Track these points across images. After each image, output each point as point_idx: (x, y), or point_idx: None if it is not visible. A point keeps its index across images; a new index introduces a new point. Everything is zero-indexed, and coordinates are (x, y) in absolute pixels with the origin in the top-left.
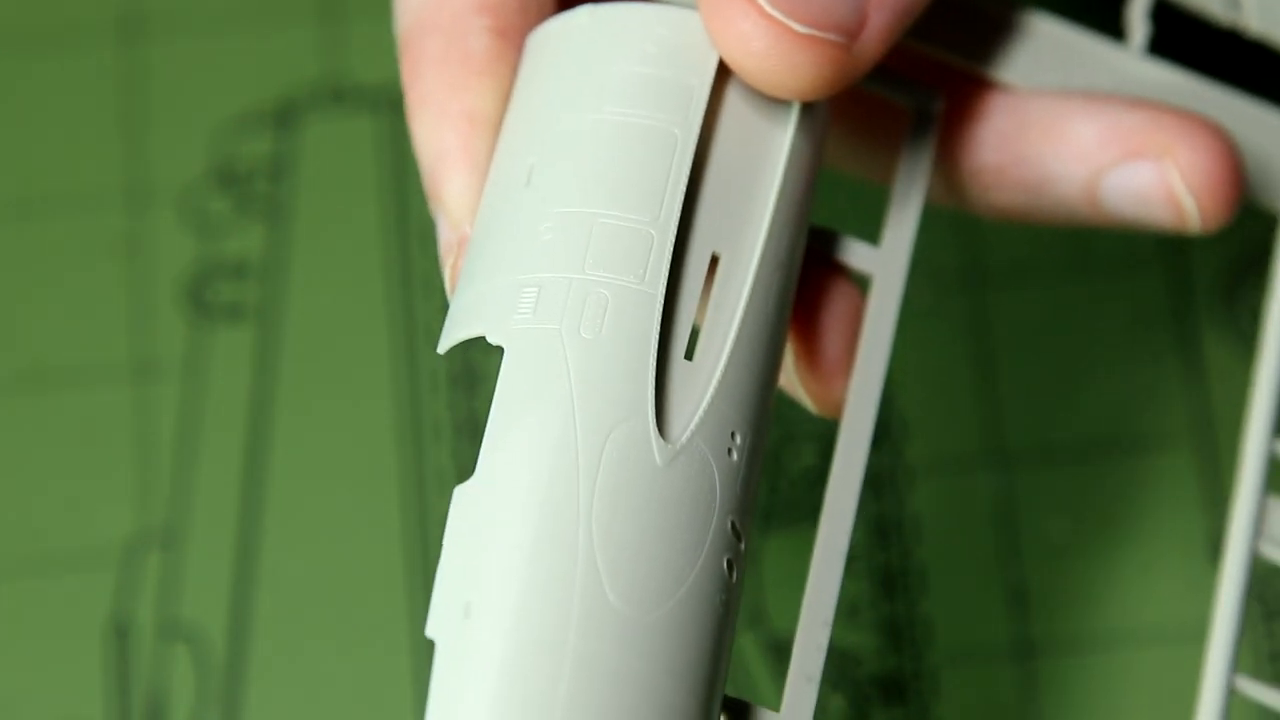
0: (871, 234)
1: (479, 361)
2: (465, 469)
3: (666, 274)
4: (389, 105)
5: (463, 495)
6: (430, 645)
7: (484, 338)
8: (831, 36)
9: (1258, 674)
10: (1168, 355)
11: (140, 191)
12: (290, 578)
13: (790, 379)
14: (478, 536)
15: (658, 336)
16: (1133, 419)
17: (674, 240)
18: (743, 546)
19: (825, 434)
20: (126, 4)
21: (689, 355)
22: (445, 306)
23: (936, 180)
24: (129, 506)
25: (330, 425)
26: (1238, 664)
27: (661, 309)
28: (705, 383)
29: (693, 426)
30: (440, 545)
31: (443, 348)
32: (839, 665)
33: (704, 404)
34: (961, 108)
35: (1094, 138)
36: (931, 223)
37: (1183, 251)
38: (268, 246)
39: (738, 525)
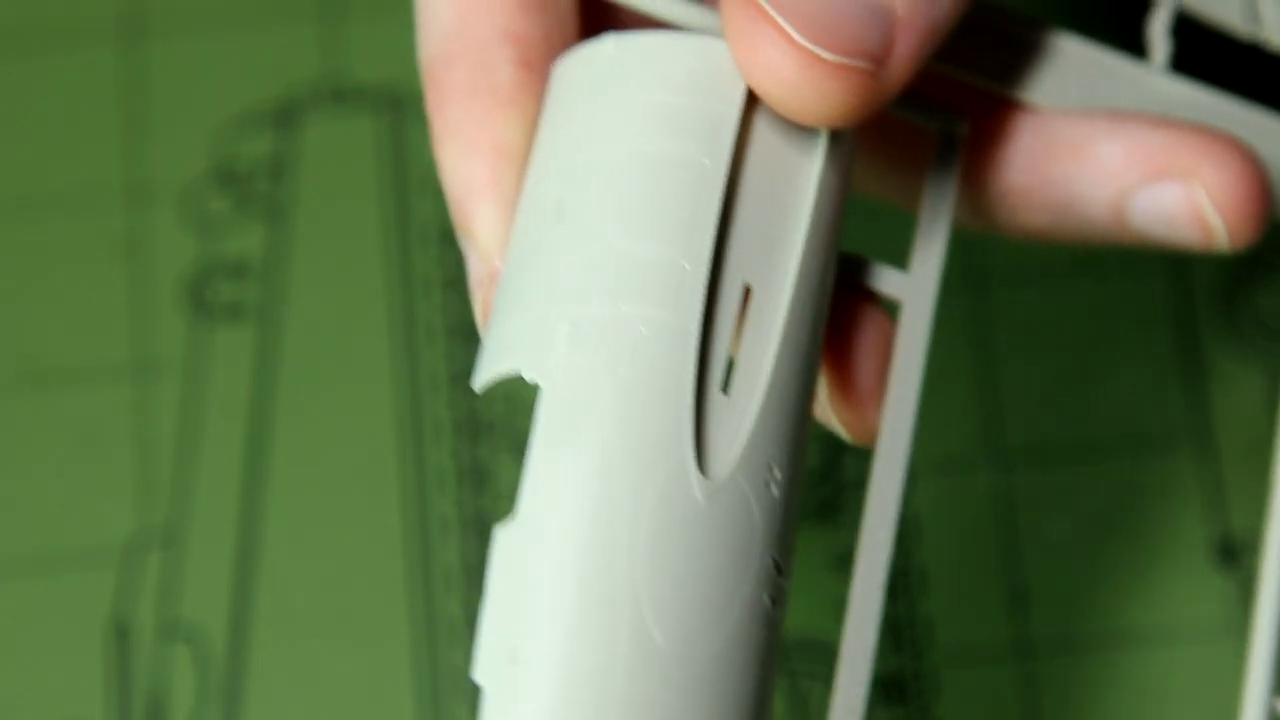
0: (896, 256)
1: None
2: (465, 468)
3: (701, 307)
4: (389, 105)
5: (504, 537)
6: (430, 649)
7: (519, 374)
8: (859, 64)
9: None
10: (1168, 356)
11: (140, 191)
12: (290, 577)
13: (823, 408)
14: (521, 579)
15: (695, 371)
16: (1133, 419)
17: (707, 273)
18: (784, 581)
19: (826, 434)
20: (126, 4)
21: (725, 389)
22: (445, 307)
23: (962, 202)
24: (129, 506)
25: (330, 425)
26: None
27: (698, 343)
28: (742, 417)
29: (732, 462)
30: (441, 545)
31: (478, 385)
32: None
33: (742, 439)
34: (986, 129)
35: (1120, 158)
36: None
37: (1183, 253)
38: (268, 246)
39: (779, 560)
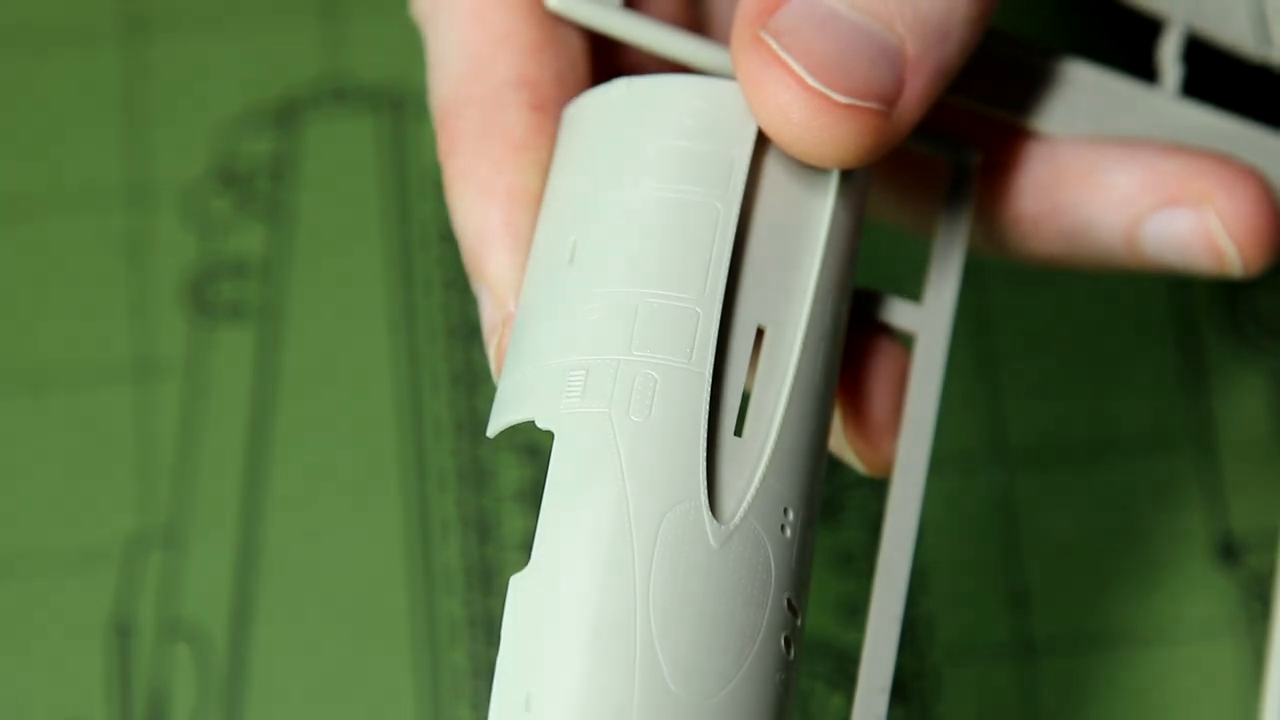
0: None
1: (480, 361)
2: (465, 468)
3: (714, 352)
4: (390, 105)
5: (519, 585)
6: (430, 649)
7: (534, 423)
8: (871, 105)
9: (1257, 675)
10: (1169, 356)
11: (142, 191)
12: (291, 577)
13: (838, 441)
14: (536, 626)
15: (707, 415)
16: (1134, 419)
17: (720, 317)
18: (799, 623)
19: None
20: (127, 4)
21: (738, 431)
22: (445, 307)
23: (976, 230)
24: (130, 506)
25: (331, 425)
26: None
27: (710, 387)
28: (756, 460)
29: (745, 505)
30: (441, 544)
31: (492, 431)
32: (838, 665)
33: (755, 482)
34: (998, 157)
35: (1132, 185)
36: (915, 276)
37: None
38: (269, 246)
39: (794, 602)
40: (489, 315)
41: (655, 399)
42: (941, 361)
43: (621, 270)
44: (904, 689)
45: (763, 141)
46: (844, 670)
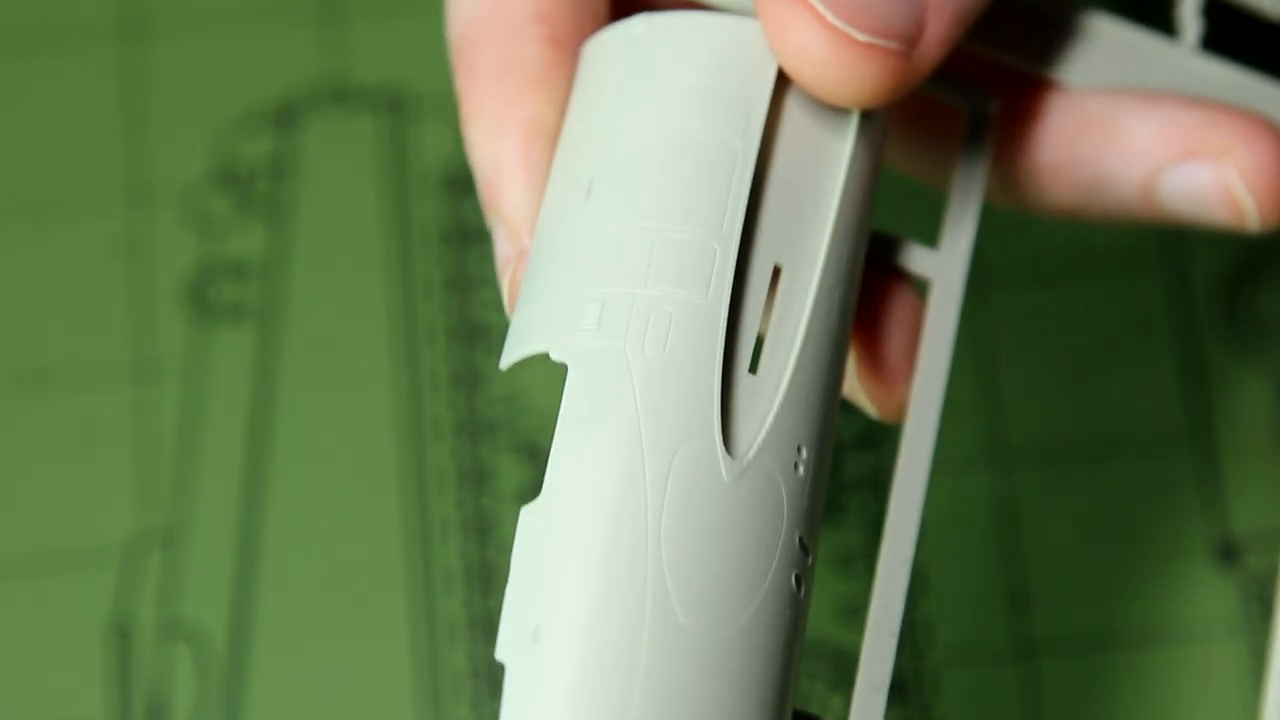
0: (925, 235)
1: (480, 362)
2: (465, 469)
3: (730, 288)
4: (389, 105)
5: (529, 516)
6: (430, 649)
7: (547, 355)
8: (892, 44)
9: (1259, 674)
10: (1168, 356)
11: (141, 191)
12: (291, 577)
13: (851, 384)
14: (545, 558)
15: (722, 352)
16: (1133, 419)
17: (737, 253)
18: (810, 561)
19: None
20: (127, 4)
21: (753, 368)
22: (445, 307)
23: (993, 180)
24: (130, 506)
25: (330, 425)
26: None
27: (726, 323)
28: (770, 397)
29: (759, 442)
30: (441, 545)
31: (505, 364)
32: (838, 665)
33: (769, 419)
34: (1017, 108)
35: (1151, 137)
36: (932, 224)
37: (1183, 252)
38: (268, 246)
39: (805, 540)
40: (503, 249)
41: (671, 333)
42: (957, 307)
43: (639, 205)
44: (904, 690)
45: (783, 81)
46: (844, 670)
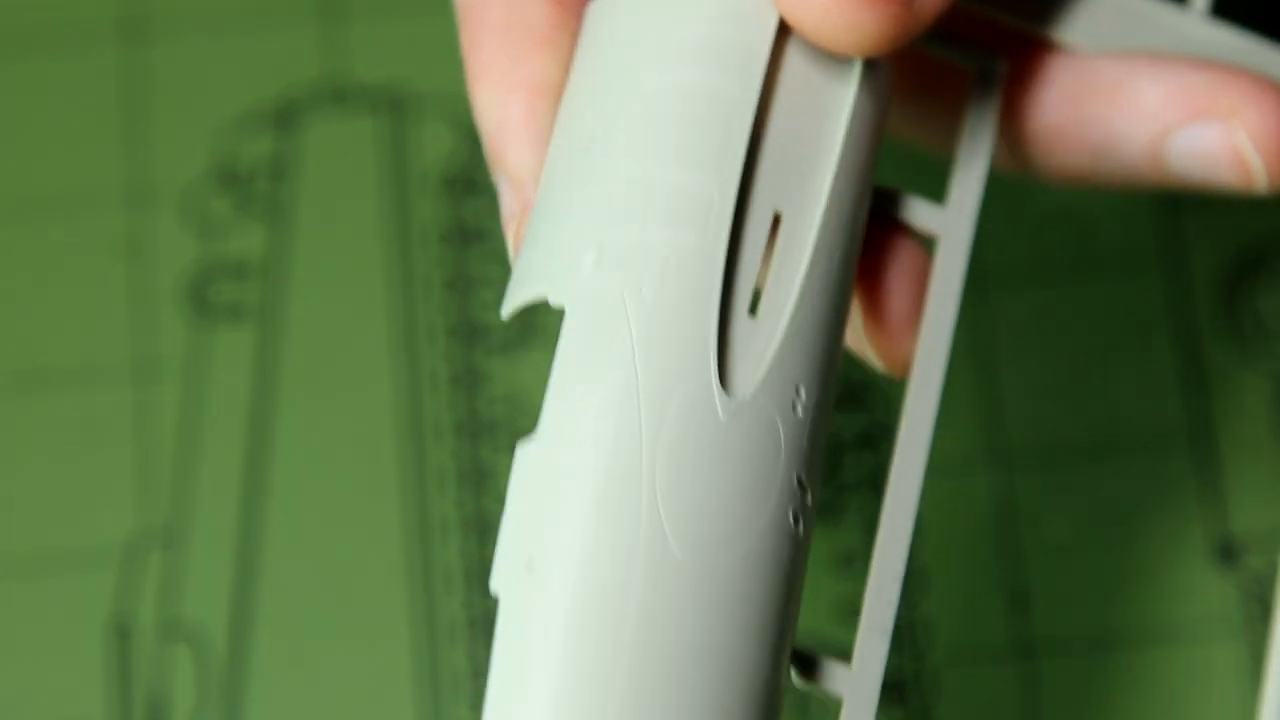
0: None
1: (480, 362)
2: (465, 469)
3: (728, 232)
4: (389, 105)
5: (525, 452)
6: (430, 649)
7: (546, 301)
8: None
9: (1257, 675)
10: (1168, 356)
11: (141, 191)
12: (291, 577)
13: (857, 338)
14: (540, 492)
15: (719, 293)
16: (1132, 419)
17: (735, 199)
18: (809, 500)
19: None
20: (127, 4)
21: (753, 311)
22: (445, 307)
23: (1000, 144)
24: (129, 506)
25: (330, 425)
26: None
27: (723, 266)
28: (769, 338)
29: (757, 382)
30: (441, 545)
31: (506, 312)
32: None
33: (768, 359)
34: (1024, 70)
35: (1159, 98)
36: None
37: (1182, 252)
38: (268, 246)
39: (804, 479)
40: (508, 203)
41: (667, 275)
42: (963, 263)
43: (637, 152)
44: (903, 690)
45: (784, 30)
46: None
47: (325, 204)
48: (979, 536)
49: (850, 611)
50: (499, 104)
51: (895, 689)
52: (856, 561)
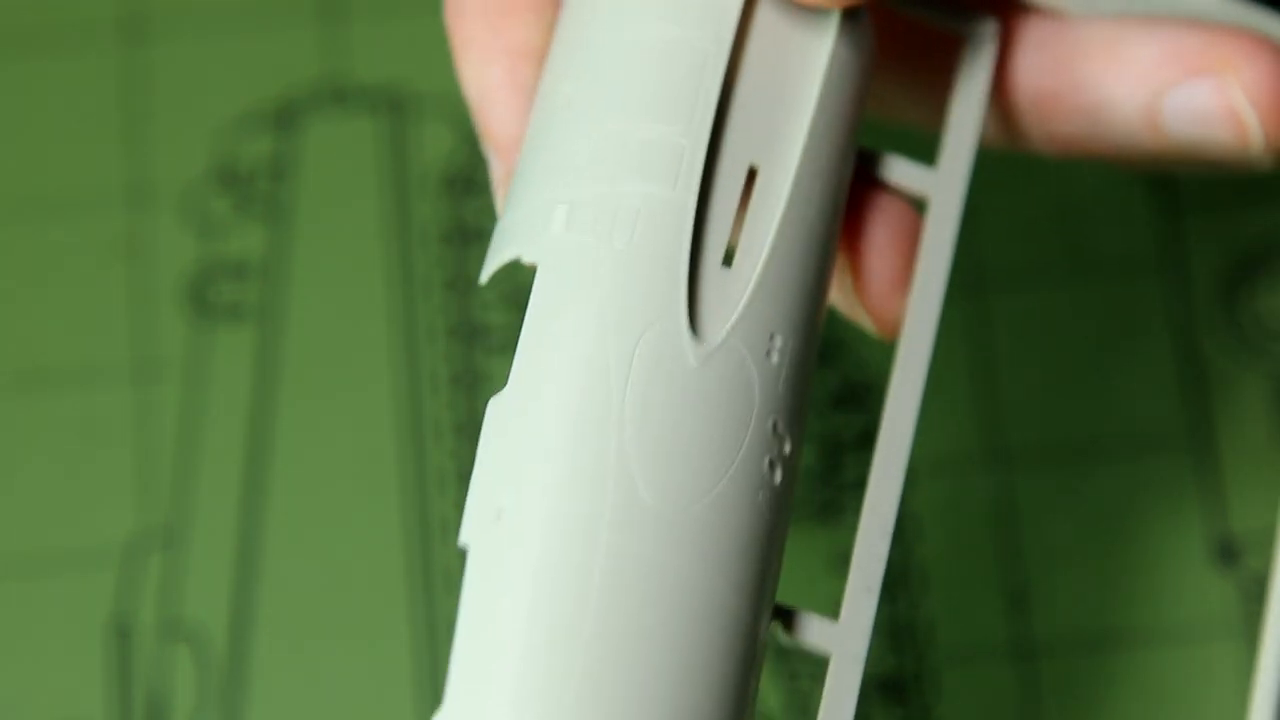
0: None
1: (480, 362)
2: (465, 469)
3: (698, 182)
4: (389, 105)
5: (495, 404)
6: (430, 649)
7: (520, 261)
8: None
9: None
10: (1168, 356)
11: (141, 191)
12: (291, 577)
13: (848, 299)
14: (509, 443)
15: (689, 241)
16: (1133, 420)
17: (706, 149)
18: (788, 448)
19: (827, 434)
20: (127, 4)
21: (727, 262)
22: (445, 307)
23: (992, 117)
24: (129, 506)
25: (330, 425)
26: None
27: (694, 215)
28: (743, 286)
29: (728, 327)
30: (441, 545)
31: (484, 277)
32: None
33: (740, 305)
34: (1015, 34)
35: (1153, 58)
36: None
37: (1182, 252)
38: (268, 246)
39: (780, 426)
40: (495, 170)
41: (638, 226)
42: (954, 225)
43: (609, 108)
44: (903, 690)
45: None
46: None
47: (325, 204)
48: (979, 536)
49: None
50: (481, 74)
51: (895, 689)
52: None
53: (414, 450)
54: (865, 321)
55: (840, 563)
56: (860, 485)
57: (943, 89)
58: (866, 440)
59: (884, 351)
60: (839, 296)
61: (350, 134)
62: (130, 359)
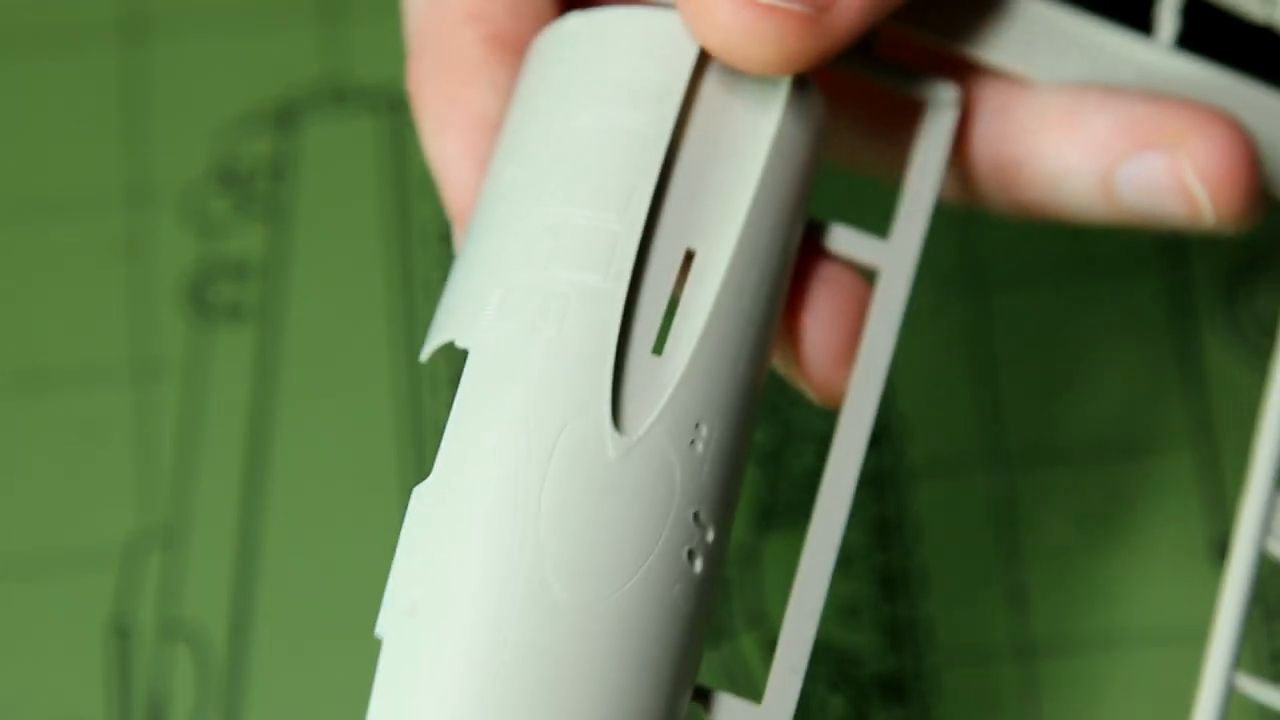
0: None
1: None
2: None
3: (630, 270)
4: (389, 105)
5: (418, 493)
6: None
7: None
8: (797, 7)
9: (1258, 674)
10: (1168, 356)
11: (141, 191)
12: (291, 577)
13: (789, 369)
14: (427, 534)
15: (616, 332)
16: (1133, 420)
17: (640, 237)
18: (711, 536)
19: (826, 434)
20: (127, 4)
21: (658, 350)
22: None
23: (953, 178)
24: (129, 506)
25: (330, 425)
26: (1239, 662)
27: (623, 305)
28: (671, 375)
29: (651, 419)
30: None
31: (424, 356)
32: (839, 665)
33: (665, 396)
34: (977, 102)
35: (1108, 129)
36: (932, 223)
37: (1183, 252)
38: (268, 246)
39: (702, 516)
40: (455, 239)
41: (567, 315)
42: (903, 299)
43: (547, 194)
44: (903, 690)
45: (702, 68)
46: (844, 671)
47: (325, 204)
48: (979, 536)
49: (850, 611)
50: (436, 143)
51: (895, 689)
52: (857, 561)
53: (414, 450)
54: (805, 388)
55: (839, 564)
56: (860, 485)
57: (901, 142)
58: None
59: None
60: (780, 363)
61: (350, 134)
62: (130, 359)
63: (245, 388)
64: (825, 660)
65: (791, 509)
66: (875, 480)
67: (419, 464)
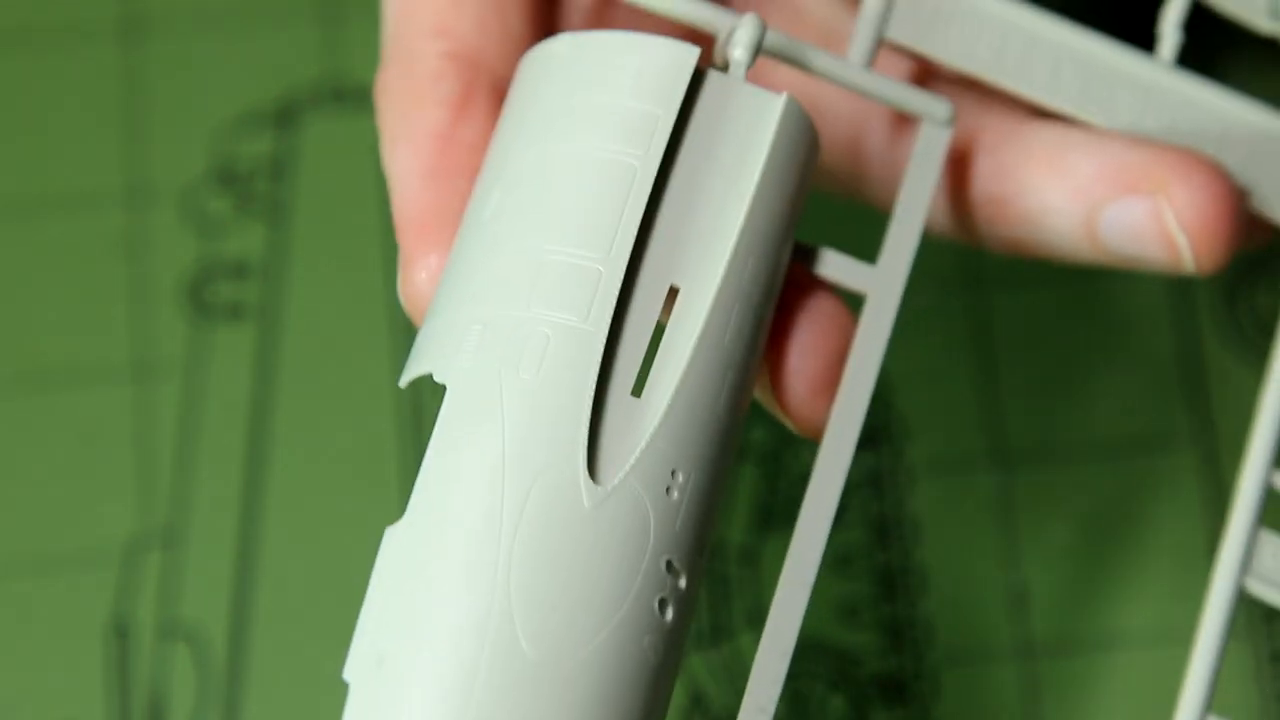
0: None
1: None
2: None
3: (611, 312)
4: None
5: (389, 536)
6: None
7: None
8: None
9: (1259, 675)
10: (1168, 356)
11: (141, 191)
12: (291, 577)
13: (769, 397)
14: (397, 581)
15: (595, 378)
16: (1133, 420)
17: (622, 277)
18: (683, 583)
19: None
20: (127, 4)
21: (637, 391)
22: None
23: (940, 211)
24: (129, 506)
25: (330, 425)
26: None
27: (603, 348)
28: (649, 419)
29: (627, 467)
30: None
31: (403, 383)
32: (839, 665)
33: (643, 443)
34: (966, 138)
35: (1092, 172)
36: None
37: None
38: (268, 246)
39: (675, 563)
40: (401, 257)
41: (546, 357)
42: (888, 326)
43: (530, 227)
44: (903, 690)
45: (691, 101)
46: (844, 671)
47: (325, 204)
48: (978, 537)
49: (850, 611)
50: (389, 153)
51: (895, 689)
52: (856, 561)
53: (414, 449)
54: (784, 420)
55: (839, 564)
56: (860, 485)
57: (896, 170)
58: (867, 440)
59: (888, 360)
60: (759, 392)
61: (350, 134)
62: (130, 359)
63: (245, 388)
64: (825, 660)
65: (791, 508)
66: (875, 480)
67: (418, 464)
